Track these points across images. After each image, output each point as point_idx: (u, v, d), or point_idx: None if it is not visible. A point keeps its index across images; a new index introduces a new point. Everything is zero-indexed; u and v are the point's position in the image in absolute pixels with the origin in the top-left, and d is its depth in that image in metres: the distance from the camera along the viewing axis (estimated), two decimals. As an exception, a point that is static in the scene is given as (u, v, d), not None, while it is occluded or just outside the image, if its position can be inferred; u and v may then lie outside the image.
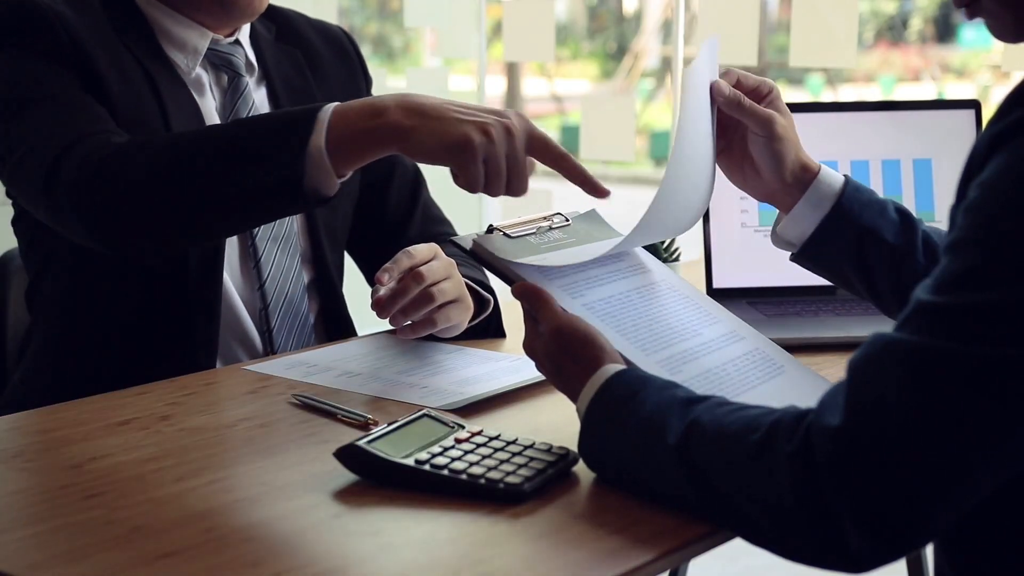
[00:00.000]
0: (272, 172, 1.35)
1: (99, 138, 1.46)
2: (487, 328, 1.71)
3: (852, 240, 1.42)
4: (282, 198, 1.37)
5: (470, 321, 1.67)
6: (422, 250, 1.60)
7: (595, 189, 1.35)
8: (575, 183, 1.36)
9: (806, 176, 1.43)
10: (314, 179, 1.35)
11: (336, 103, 1.37)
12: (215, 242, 1.61)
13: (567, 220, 1.44)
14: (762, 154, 1.43)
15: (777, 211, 1.47)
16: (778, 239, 1.47)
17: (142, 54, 1.63)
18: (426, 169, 1.96)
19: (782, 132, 1.42)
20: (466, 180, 1.33)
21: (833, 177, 1.43)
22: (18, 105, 1.52)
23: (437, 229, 1.88)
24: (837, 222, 1.42)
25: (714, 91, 1.43)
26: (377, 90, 1.99)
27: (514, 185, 1.34)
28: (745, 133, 1.44)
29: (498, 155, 1.31)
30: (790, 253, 1.47)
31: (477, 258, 1.34)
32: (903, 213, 1.44)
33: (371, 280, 1.91)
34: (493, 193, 1.33)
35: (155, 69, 1.63)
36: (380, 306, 1.57)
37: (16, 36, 1.55)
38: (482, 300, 1.70)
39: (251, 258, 1.69)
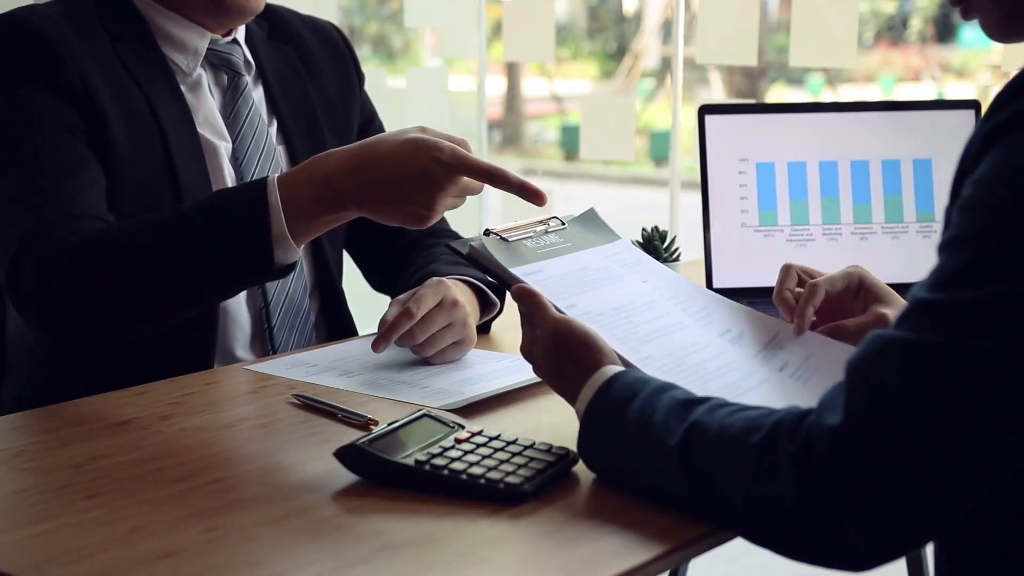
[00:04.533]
0: (242, 267, 1.42)
1: (59, 232, 1.45)
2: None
3: None
4: (252, 283, 1.49)
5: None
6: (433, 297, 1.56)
7: (536, 196, 1.38)
8: (515, 193, 1.38)
9: None
10: (280, 258, 1.41)
11: (280, 179, 1.41)
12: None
13: (563, 224, 1.44)
14: None
15: None
16: None
17: (141, 60, 1.64)
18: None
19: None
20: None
21: None
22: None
23: (436, 226, 1.89)
24: None
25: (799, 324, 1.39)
26: (378, 90, 1.98)
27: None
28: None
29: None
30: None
31: (474, 263, 1.35)
32: None
33: (370, 278, 1.92)
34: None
35: (154, 77, 1.64)
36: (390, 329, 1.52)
37: (22, 65, 1.55)
38: (488, 301, 1.70)
39: None
